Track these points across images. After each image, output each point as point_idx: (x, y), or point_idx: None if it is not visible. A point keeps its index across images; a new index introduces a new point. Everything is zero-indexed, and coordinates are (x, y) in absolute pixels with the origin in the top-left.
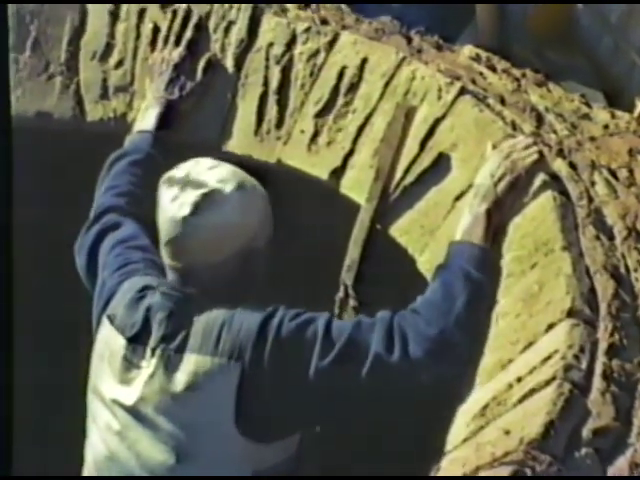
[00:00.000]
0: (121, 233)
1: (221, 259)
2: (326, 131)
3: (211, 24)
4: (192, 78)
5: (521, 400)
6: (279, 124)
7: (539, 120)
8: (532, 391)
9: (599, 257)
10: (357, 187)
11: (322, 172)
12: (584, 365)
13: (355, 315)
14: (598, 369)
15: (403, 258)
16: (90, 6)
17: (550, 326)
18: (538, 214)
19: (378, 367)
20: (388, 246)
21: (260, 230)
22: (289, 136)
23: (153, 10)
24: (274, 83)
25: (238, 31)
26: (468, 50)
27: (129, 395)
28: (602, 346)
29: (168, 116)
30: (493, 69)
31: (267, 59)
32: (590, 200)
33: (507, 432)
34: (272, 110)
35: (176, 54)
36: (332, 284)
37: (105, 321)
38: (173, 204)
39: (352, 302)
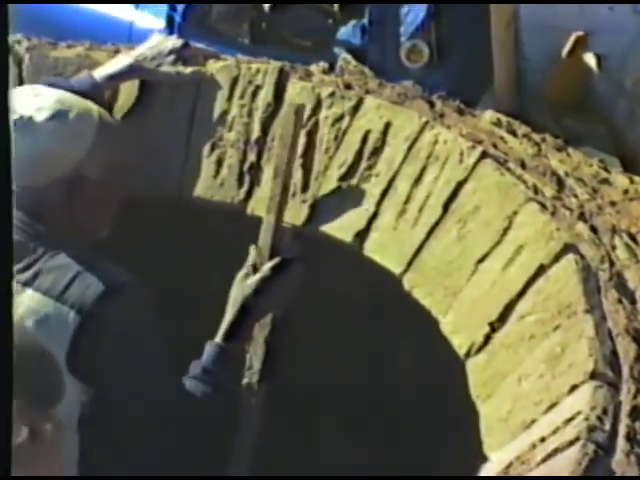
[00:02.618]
0: None
1: (42, 184)
2: None
3: (238, 89)
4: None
5: (545, 460)
6: (304, 187)
7: (560, 184)
8: (556, 451)
9: (621, 320)
10: (380, 250)
11: (346, 235)
12: (607, 427)
13: None
14: (622, 431)
15: (426, 319)
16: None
17: (573, 388)
18: (561, 277)
19: None
20: (411, 307)
21: (88, 159)
22: (314, 200)
23: None
24: (299, 147)
25: (265, 95)
26: (489, 115)
27: None
28: (625, 408)
29: (127, 74)
30: (514, 134)
31: None
32: (611, 264)
33: None
34: (297, 173)
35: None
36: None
37: None
38: None
39: None
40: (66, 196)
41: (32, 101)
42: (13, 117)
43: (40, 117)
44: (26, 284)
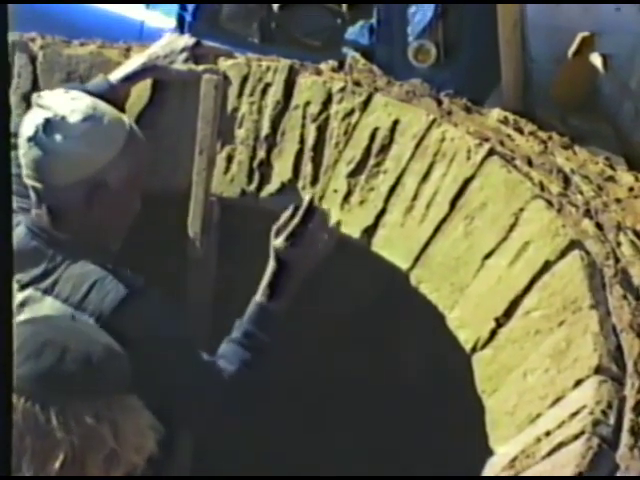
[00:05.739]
0: None
1: (65, 184)
2: (358, 190)
3: (248, 87)
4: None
5: (550, 453)
6: (314, 181)
7: (566, 181)
8: (561, 445)
9: (625, 316)
10: (388, 246)
11: (354, 231)
12: (612, 421)
13: None
14: (626, 425)
15: (433, 314)
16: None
17: (578, 382)
18: (566, 273)
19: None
20: (418, 302)
21: (110, 166)
22: (323, 194)
23: None
24: (310, 141)
25: (274, 92)
26: (496, 113)
27: None
28: (629, 403)
29: (142, 74)
30: (520, 131)
31: (304, 117)
32: (617, 260)
33: None
34: (307, 167)
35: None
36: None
37: None
38: (28, 122)
39: None
40: (86, 199)
41: (67, 103)
42: (46, 114)
43: (74, 118)
44: (45, 291)
